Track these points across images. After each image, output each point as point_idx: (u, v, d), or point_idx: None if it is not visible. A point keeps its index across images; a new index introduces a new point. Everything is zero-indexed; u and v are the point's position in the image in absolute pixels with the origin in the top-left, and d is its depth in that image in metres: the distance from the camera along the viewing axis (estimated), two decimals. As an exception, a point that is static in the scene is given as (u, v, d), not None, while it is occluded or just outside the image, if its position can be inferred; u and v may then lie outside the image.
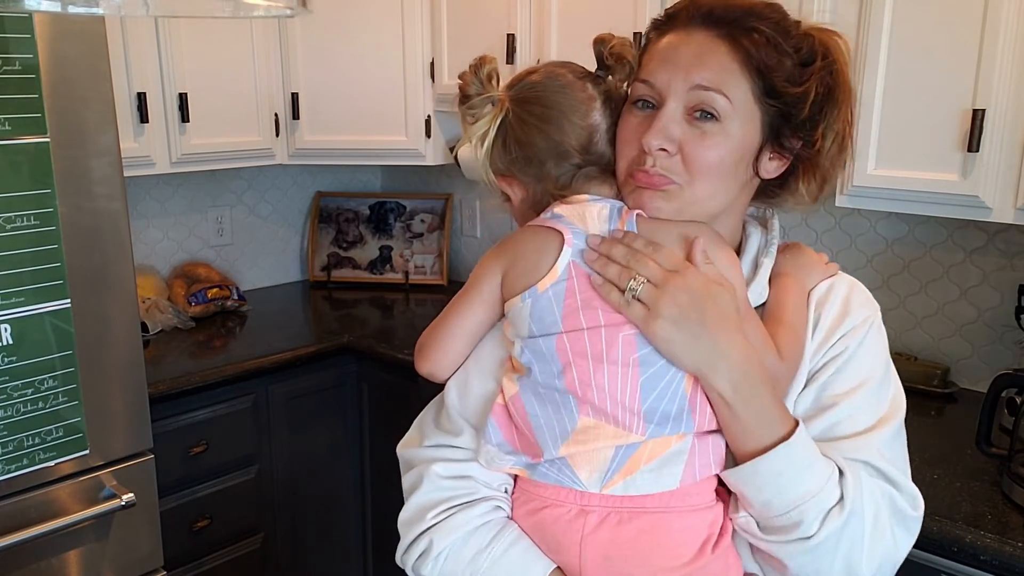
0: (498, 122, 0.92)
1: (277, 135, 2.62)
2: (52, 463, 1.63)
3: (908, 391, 0.95)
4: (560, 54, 2.24)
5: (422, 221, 3.11)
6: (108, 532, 1.74)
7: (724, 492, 0.88)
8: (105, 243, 1.65)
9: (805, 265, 0.95)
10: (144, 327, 2.40)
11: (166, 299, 2.60)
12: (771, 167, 0.90)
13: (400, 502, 0.96)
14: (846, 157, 0.92)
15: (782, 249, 0.97)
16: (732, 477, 0.84)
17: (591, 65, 0.95)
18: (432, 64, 2.61)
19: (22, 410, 1.57)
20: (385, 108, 2.65)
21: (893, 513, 0.85)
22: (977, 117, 1.57)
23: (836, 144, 0.90)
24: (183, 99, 2.33)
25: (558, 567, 0.89)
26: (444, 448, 0.96)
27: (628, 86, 0.92)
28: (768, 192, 0.95)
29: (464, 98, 0.93)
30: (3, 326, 1.52)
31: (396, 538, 0.96)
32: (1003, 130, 1.57)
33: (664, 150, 0.85)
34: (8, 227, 1.50)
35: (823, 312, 0.92)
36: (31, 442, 1.59)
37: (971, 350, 1.99)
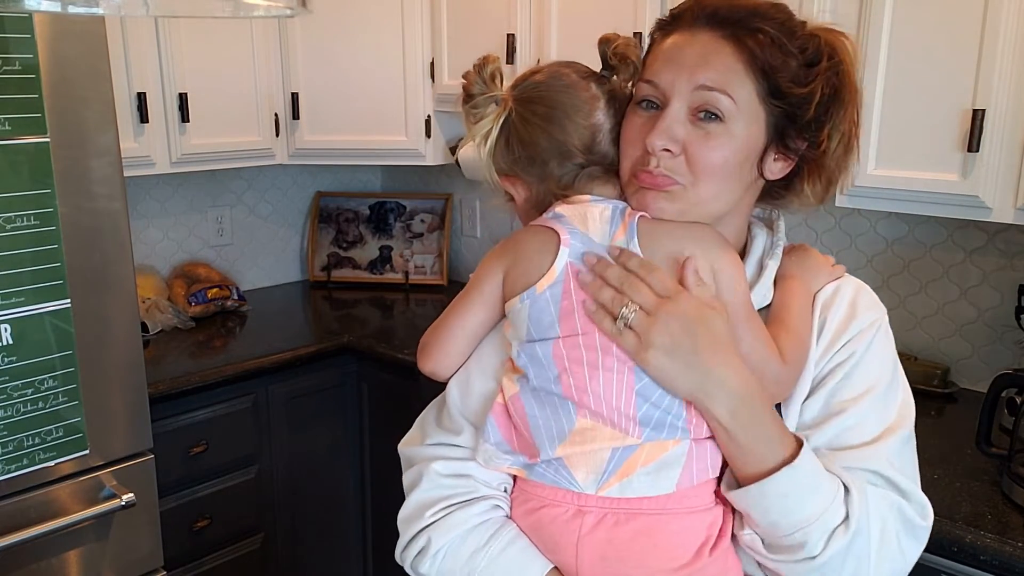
0: (501, 121, 0.92)
1: (277, 135, 2.62)
2: (52, 463, 1.63)
3: (908, 391, 0.95)
4: (560, 54, 2.24)
5: (422, 221, 3.11)
6: (108, 532, 1.74)
7: (723, 496, 0.88)
8: (105, 243, 1.65)
9: (811, 267, 0.95)
10: (144, 327, 2.40)
11: (166, 299, 2.60)
12: (776, 168, 0.89)
13: (400, 501, 0.96)
14: (852, 158, 0.91)
15: (788, 251, 0.97)
16: (736, 498, 0.84)
17: (595, 65, 0.94)
18: (432, 64, 2.61)
19: (22, 410, 1.57)
20: (385, 108, 2.65)
21: (902, 524, 0.85)
22: (977, 117, 1.57)
23: (842, 145, 0.89)
24: (183, 99, 2.33)
25: (555, 567, 0.89)
26: (444, 447, 0.96)
27: (633, 86, 0.92)
28: (773, 193, 0.95)
29: (468, 97, 0.92)
30: (3, 326, 1.52)
31: (396, 538, 0.97)
32: (1003, 130, 1.57)
33: (668, 150, 0.84)
34: (8, 227, 1.50)
35: (829, 315, 0.92)
36: (31, 442, 1.59)
37: (971, 350, 1.99)
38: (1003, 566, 1.35)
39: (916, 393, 0.94)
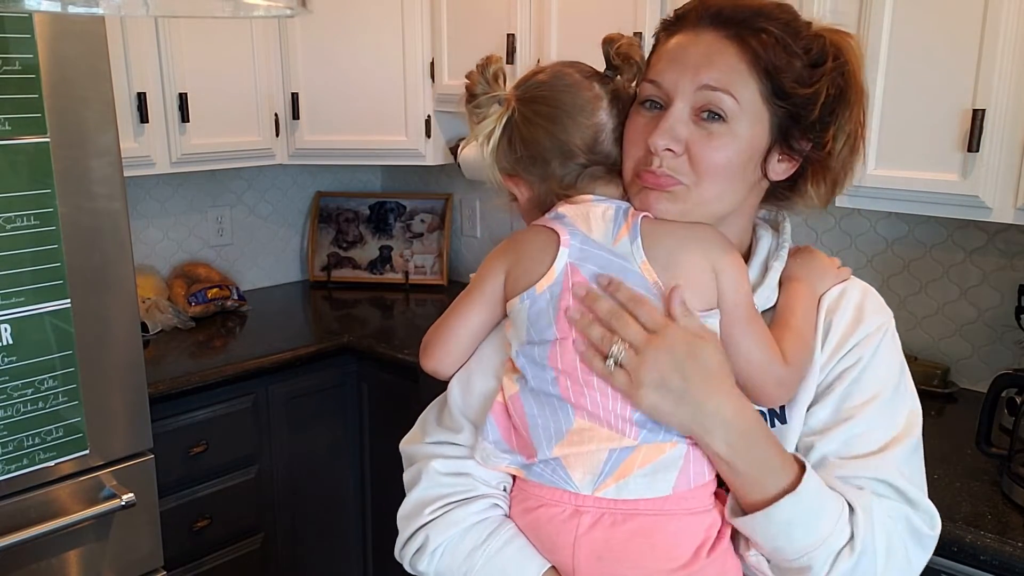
0: (504, 121, 0.92)
1: (277, 135, 2.62)
2: (52, 463, 1.63)
3: (908, 391, 0.95)
4: (560, 54, 2.24)
5: (422, 221, 3.11)
6: (108, 532, 1.74)
7: (723, 495, 0.87)
8: (105, 243, 1.65)
9: (816, 269, 0.94)
10: (144, 327, 2.40)
11: (166, 299, 2.60)
12: (780, 169, 0.89)
13: (400, 501, 0.97)
14: (857, 159, 0.91)
15: (793, 253, 0.96)
16: (740, 525, 0.84)
17: (599, 65, 0.94)
18: (432, 64, 2.61)
19: (22, 410, 1.57)
20: (385, 108, 2.65)
21: (909, 534, 0.85)
22: (977, 117, 1.57)
23: (847, 146, 0.89)
24: (183, 99, 2.33)
25: (552, 566, 0.89)
26: (444, 445, 0.96)
27: (636, 86, 0.91)
28: (777, 195, 0.94)
29: (470, 97, 0.93)
30: (3, 326, 1.52)
31: (396, 537, 0.97)
32: (1003, 130, 1.57)
33: (670, 150, 0.84)
34: (8, 227, 1.50)
35: (834, 319, 0.91)
36: (31, 442, 1.59)
37: (971, 350, 1.99)
38: (1003, 566, 1.35)
39: (916, 393, 0.93)
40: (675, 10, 0.90)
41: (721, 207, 0.87)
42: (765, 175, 0.89)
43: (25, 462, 1.59)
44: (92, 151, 1.60)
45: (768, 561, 0.85)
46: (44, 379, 1.59)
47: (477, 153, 0.94)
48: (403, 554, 0.95)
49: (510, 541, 0.90)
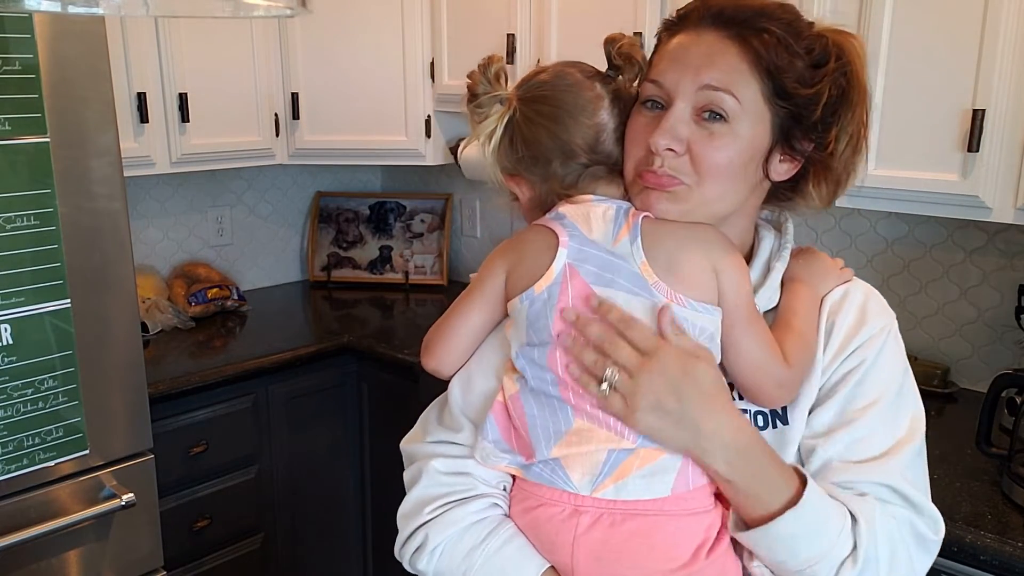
0: (505, 120, 0.91)
1: (277, 135, 2.62)
2: (52, 463, 1.63)
3: (908, 391, 0.94)
4: (560, 54, 2.24)
5: (422, 221, 3.11)
6: (108, 532, 1.74)
7: (725, 498, 0.87)
8: (105, 243, 1.65)
9: (818, 271, 0.94)
10: (144, 327, 2.40)
11: (166, 299, 2.60)
12: (781, 169, 0.89)
13: (400, 500, 0.97)
14: (860, 160, 0.91)
15: (795, 254, 0.96)
16: (744, 539, 0.84)
17: (601, 65, 0.94)
18: (432, 64, 2.61)
19: (22, 410, 1.57)
20: (385, 108, 2.65)
21: (913, 539, 0.85)
22: (977, 117, 1.57)
23: (850, 147, 0.89)
24: (183, 99, 2.33)
25: (551, 566, 0.89)
26: (444, 444, 0.96)
27: (638, 86, 0.91)
28: (779, 195, 0.94)
29: (472, 97, 0.92)
30: (3, 326, 1.52)
31: (396, 537, 0.97)
32: (1003, 130, 1.57)
33: (672, 150, 0.84)
34: (8, 227, 1.50)
35: (837, 320, 0.91)
36: (31, 442, 1.59)
37: (971, 350, 1.99)
38: (1003, 566, 1.35)
39: (919, 396, 0.93)
40: (677, 10, 0.90)
41: (723, 207, 0.87)
42: (767, 175, 0.89)
43: (25, 462, 1.59)
44: (92, 151, 1.60)
45: (772, 573, 0.85)
46: (44, 379, 1.59)
47: (479, 153, 0.94)
48: (402, 553, 0.95)
49: (509, 540, 0.90)
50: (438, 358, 0.97)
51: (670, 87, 0.85)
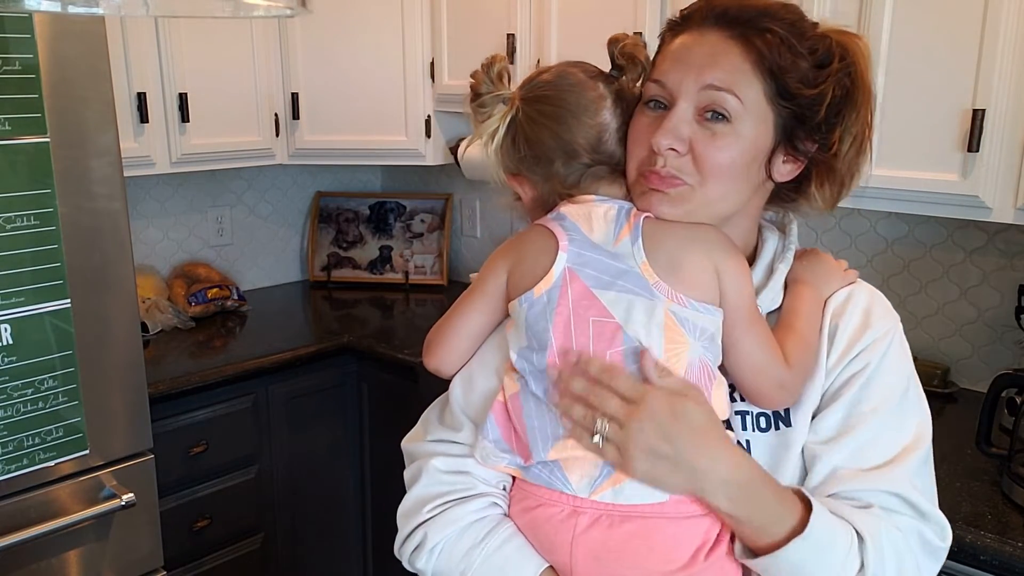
0: (508, 120, 0.91)
1: (277, 135, 2.62)
2: (52, 463, 1.63)
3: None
4: (560, 54, 2.24)
5: (422, 221, 3.11)
6: (108, 532, 1.74)
7: None
8: (105, 243, 1.65)
9: (822, 272, 0.94)
10: (144, 327, 2.40)
11: (166, 299, 2.60)
12: (784, 170, 0.89)
13: (400, 500, 0.97)
14: (864, 161, 0.90)
15: (799, 255, 0.96)
16: (752, 565, 0.84)
17: (603, 64, 0.94)
18: (432, 64, 2.61)
19: (22, 410, 1.57)
20: (385, 108, 2.65)
21: (920, 547, 0.85)
22: (977, 117, 1.57)
23: (854, 148, 0.88)
24: (183, 99, 2.33)
25: (550, 566, 0.89)
26: (445, 443, 0.96)
27: (641, 86, 0.91)
28: (783, 196, 0.94)
29: (475, 96, 0.92)
30: (3, 326, 1.52)
31: (396, 537, 0.97)
32: (1003, 130, 1.57)
33: (674, 150, 0.84)
34: (8, 227, 1.50)
35: (840, 322, 0.91)
36: (31, 442, 1.59)
37: (971, 350, 1.99)
38: (1003, 566, 1.35)
39: (925, 400, 0.93)
40: (681, 10, 0.90)
41: (725, 207, 0.87)
42: (770, 176, 0.88)
43: (25, 462, 1.59)
44: (92, 151, 1.60)
45: None
46: (44, 379, 1.59)
47: (481, 152, 0.94)
48: (402, 551, 0.95)
49: (508, 540, 0.90)
50: (440, 357, 0.97)
51: (673, 87, 0.85)
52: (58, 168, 1.55)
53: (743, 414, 0.89)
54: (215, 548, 2.29)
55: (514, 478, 0.93)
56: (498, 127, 0.91)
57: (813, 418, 0.89)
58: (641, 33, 1.99)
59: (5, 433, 1.56)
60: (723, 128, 0.83)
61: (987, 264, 1.94)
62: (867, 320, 0.91)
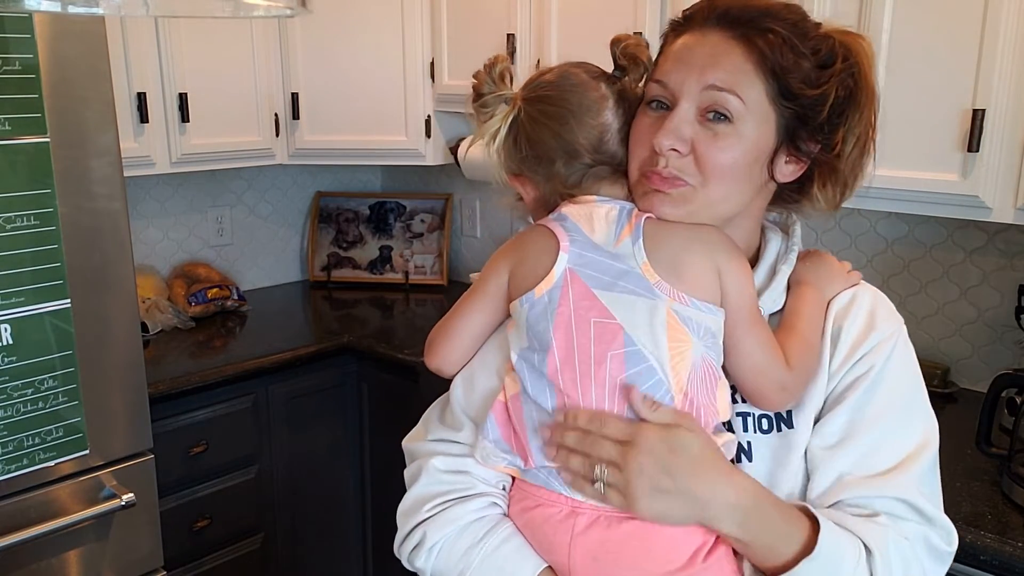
0: (510, 120, 0.91)
1: (277, 135, 2.62)
2: (52, 463, 1.63)
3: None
4: (560, 54, 2.24)
5: (422, 221, 3.11)
6: (108, 532, 1.74)
7: None
8: (105, 243, 1.65)
9: (825, 274, 0.94)
10: (144, 327, 2.40)
11: (166, 299, 2.60)
12: (787, 171, 0.88)
13: (400, 500, 0.97)
14: (867, 162, 0.90)
15: (803, 256, 0.95)
16: None
17: (605, 65, 0.94)
18: (432, 64, 2.61)
19: (22, 410, 1.57)
20: (385, 108, 2.65)
21: (927, 553, 0.85)
22: (977, 117, 1.57)
23: (857, 148, 0.88)
24: (183, 99, 2.33)
25: (549, 566, 0.89)
26: (445, 443, 0.97)
27: (643, 86, 0.91)
28: (786, 197, 0.94)
29: (477, 96, 0.92)
30: (3, 326, 1.52)
31: (396, 537, 0.97)
32: (1003, 130, 1.57)
33: (675, 150, 0.83)
34: (8, 227, 1.50)
35: (844, 325, 0.90)
36: (31, 442, 1.59)
37: (971, 350, 1.99)
38: (1003, 566, 1.35)
39: (930, 403, 0.93)
40: (683, 11, 0.89)
41: (727, 208, 0.87)
42: (772, 177, 0.88)
43: (25, 462, 1.59)
44: (92, 151, 1.60)
45: None
46: (44, 379, 1.59)
47: (483, 152, 0.94)
48: (401, 550, 0.95)
49: (507, 540, 0.90)
50: (441, 357, 0.97)
51: (675, 87, 0.85)
52: (58, 168, 1.55)
53: (744, 415, 0.89)
54: (215, 548, 2.29)
55: (514, 478, 0.93)
56: (500, 127, 0.91)
57: (817, 421, 0.88)
58: (641, 33, 1.99)
59: (5, 433, 1.56)
60: (725, 128, 0.83)
61: (987, 264, 1.94)
62: (871, 323, 0.90)
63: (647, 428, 0.81)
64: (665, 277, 0.84)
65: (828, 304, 0.92)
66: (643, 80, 0.91)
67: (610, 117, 0.90)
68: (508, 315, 0.93)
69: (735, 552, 0.86)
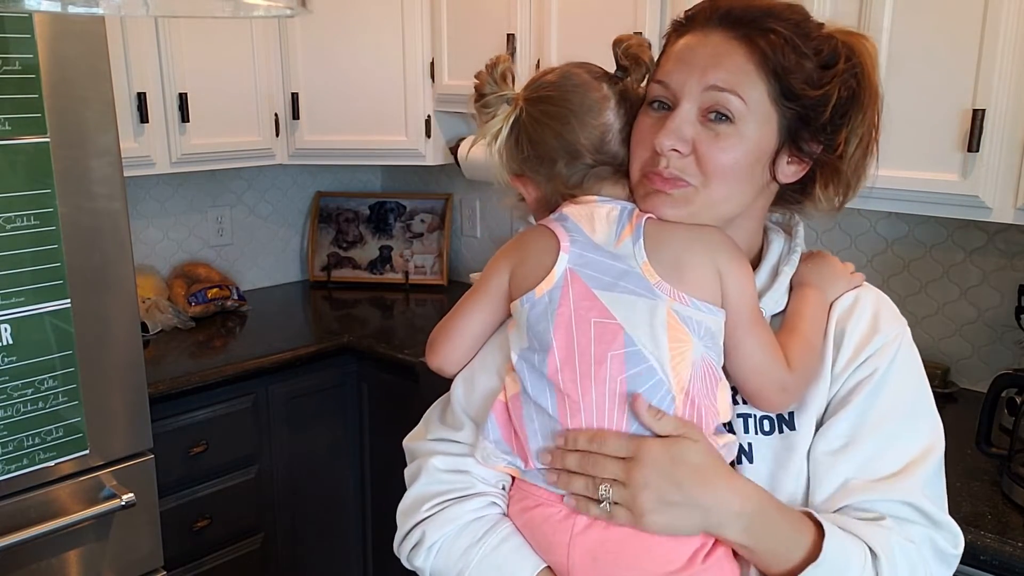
0: (511, 120, 0.91)
1: (277, 135, 2.62)
2: (52, 463, 1.63)
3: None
4: (560, 54, 2.24)
5: (422, 221, 3.11)
6: (108, 532, 1.74)
7: None
8: (105, 243, 1.65)
9: (828, 275, 0.93)
10: (144, 327, 2.40)
11: (166, 299, 2.60)
12: (789, 171, 0.88)
13: (400, 500, 0.97)
14: (870, 163, 0.90)
15: (805, 258, 0.95)
16: None
17: (606, 65, 0.94)
18: (432, 64, 2.61)
19: (22, 410, 1.57)
20: (385, 108, 2.65)
21: (933, 556, 0.85)
22: (977, 117, 1.57)
23: (860, 149, 0.88)
24: (183, 99, 2.33)
25: (548, 566, 0.88)
26: (445, 442, 0.97)
27: (645, 87, 0.91)
28: (788, 198, 0.93)
29: (479, 96, 0.92)
30: (3, 326, 1.52)
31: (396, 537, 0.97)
32: (1003, 130, 1.57)
33: (677, 151, 0.83)
34: (8, 227, 1.50)
35: (848, 327, 0.90)
36: (31, 442, 1.59)
37: (971, 350, 1.99)
38: (1003, 566, 1.35)
39: (935, 406, 0.93)
40: (685, 11, 0.89)
41: (729, 209, 0.87)
42: (774, 177, 0.88)
43: (25, 462, 1.59)
44: (92, 151, 1.60)
45: None
46: (44, 379, 1.59)
47: (484, 153, 0.94)
48: (401, 549, 0.95)
49: (506, 539, 0.90)
50: (442, 356, 0.97)
51: (676, 88, 0.84)
52: (58, 168, 1.55)
53: (745, 417, 0.89)
54: (215, 548, 2.29)
55: (513, 478, 0.93)
56: (502, 127, 0.91)
57: (820, 424, 0.88)
58: (641, 33, 1.99)
59: (5, 433, 1.56)
60: (726, 129, 0.83)
61: (987, 264, 1.94)
62: (875, 325, 0.90)
63: (649, 442, 0.81)
64: (666, 277, 0.84)
65: (831, 306, 0.92)
66: (645, 80, 0.91)
67: (612, 117, 0.90)
68: (509, 315, 0.93)
69: (738, 556, 0.86)
